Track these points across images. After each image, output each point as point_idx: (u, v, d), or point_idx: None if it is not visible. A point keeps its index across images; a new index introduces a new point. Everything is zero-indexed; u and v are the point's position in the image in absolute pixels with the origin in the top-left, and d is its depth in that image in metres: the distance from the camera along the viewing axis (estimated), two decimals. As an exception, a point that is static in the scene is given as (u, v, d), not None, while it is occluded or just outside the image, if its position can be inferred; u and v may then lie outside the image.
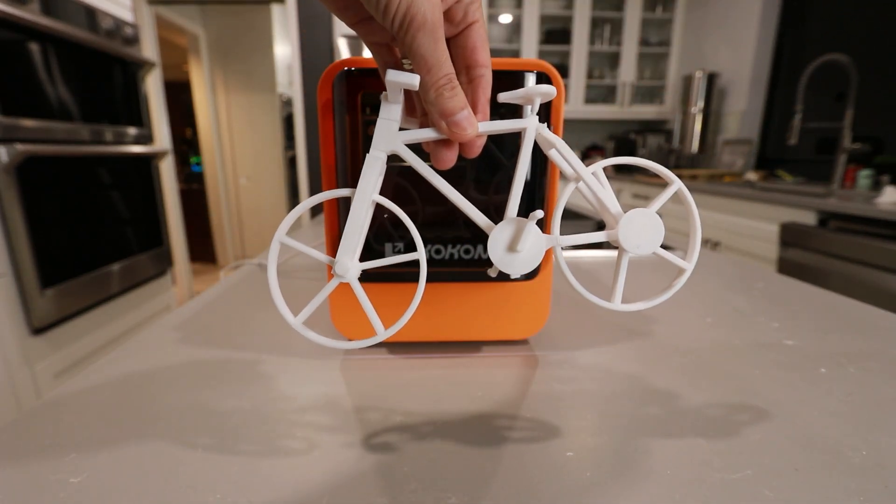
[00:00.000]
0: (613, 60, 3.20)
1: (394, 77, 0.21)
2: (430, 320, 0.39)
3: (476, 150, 0.25)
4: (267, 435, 0.28)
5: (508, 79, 0.33)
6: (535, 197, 0.35)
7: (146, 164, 1.75)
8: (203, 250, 3.51)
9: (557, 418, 0.30)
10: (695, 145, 2.88)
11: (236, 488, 0.24)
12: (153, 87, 2.16)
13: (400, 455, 0.27)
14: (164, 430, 0.28)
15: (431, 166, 0.25)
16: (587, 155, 3.40)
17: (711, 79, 2.74)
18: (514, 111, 0.32)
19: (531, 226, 0.24)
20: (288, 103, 3.40)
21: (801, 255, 1.55)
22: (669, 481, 0.24)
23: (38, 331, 1.29)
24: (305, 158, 2.45)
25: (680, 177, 2.48)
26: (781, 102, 2.54)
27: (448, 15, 0.22)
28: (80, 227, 1.42)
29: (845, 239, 1.39)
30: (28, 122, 1.22)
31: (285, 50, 3.34)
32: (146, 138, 1.76)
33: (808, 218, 1.54)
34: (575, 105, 3.15)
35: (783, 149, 2.50)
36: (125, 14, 1.73)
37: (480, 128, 0.24)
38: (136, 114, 1.71)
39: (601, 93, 3.29)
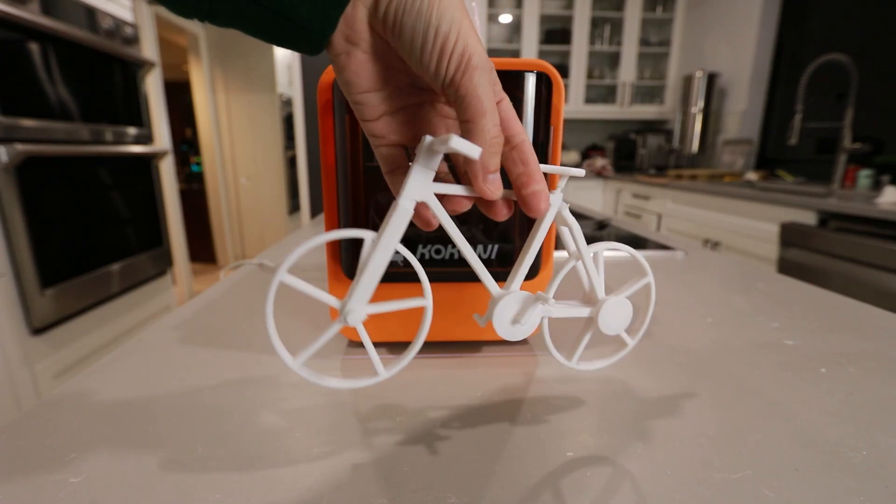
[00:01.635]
0: (613, 60, 3.20)
1: (458, 145, 0.20)
2: (431, 321, 0.39)
3: (503, 216, 0.25)
4: (267, 435, 0.28)
5: (509, 79, 0.33)
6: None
7: (146, 164, 1.75)
8: (203, 250, 3.51)
9: (557, 418, 0.30)
10: (695, 145, 2.88)
11: (236, 488, 0.24)
12: (153, 87, 2.16)
13: (400, 455, 0.27)
14: (163, 431, 0.28)
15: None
16: (587, 154, 3.40)
17: (711, 79, 2.74)
18: None
19: (536, 305, 0.27)
20: (288, 103, 3.40)
21: (801, 255, 1.55)
22: (669, 481, 0.24)
23: (38, 331, 1.29)
24: (305, 158, 2.45)
25: (680, 177, 2.49)
26: (781, 102, 2.54)
27: None
28: (80, 227, 1.42)
29: (845, 239, 1.39)
30: (28, 122, 1.22)
31: (285, 50, 3.34)
32: (146, 138, 1.76)
33: (809, 218, 1.54)
34: (575, 105, 3.15)
35: (783, 149, 2.50)
36: (125, 14, 1.73)
37: (505, 193, 0.25)
38: (136, 114, 1.71)
39: (601, 93, 3.28)
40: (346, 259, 0.36)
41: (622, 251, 0.30)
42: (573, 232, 0.28)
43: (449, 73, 0.20)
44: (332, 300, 0.24)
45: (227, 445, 0.27)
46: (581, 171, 0.27)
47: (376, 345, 0.41)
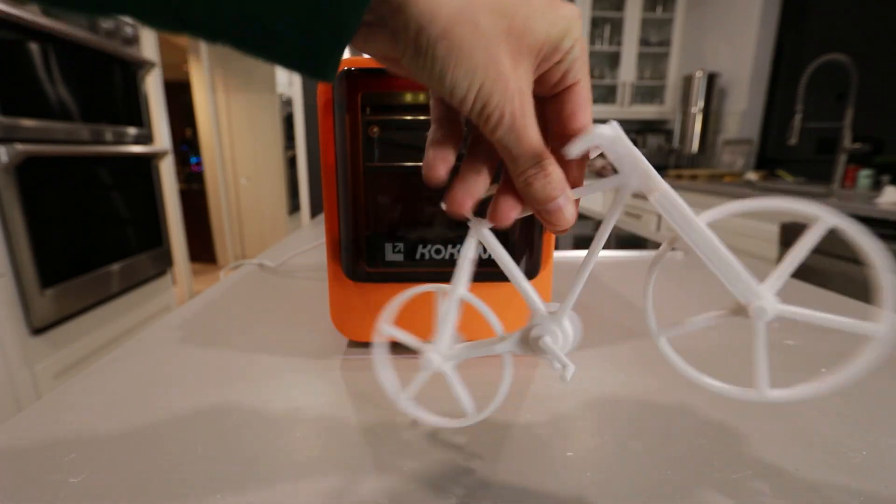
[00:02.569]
0: (613, 60, 3.20)
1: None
2: (431, 320, 0.39)
3: (566, 226, 0.21)
4: (267, 434, 0.28)
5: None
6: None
7: (146, 164, 1.75)
8: (203, 250, 3.51)
9: (557, 418, 0.30)
10: (695, 145, 2.88)
11: (236, 488, 0.24)
12: (153, 87, 2.16)
13: (400, 455, 0.27)
14: (163, 430, 0.28)
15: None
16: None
17: (711, 79, 2.74)
18: None
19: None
20: (288, 103, 3.40)
21: (801, 255, 1.55)
22: (669, 481, 0.24)
23: (38, 331, 1.29)
24: (305, 158, 2.45)
25: (680, 177, 2.48)
26: (781, 102, 2.54)
27: (542, 79, 0.19)
28: (80, 227, 1.42)
29: (846, 239, 1.39)
30: (28, 122, 1.22)
31: (285, 50, 3.33)
32: (146, 138, 1.76)
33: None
34: (575, 105, 3.14)
35: (783, 149, 2.49)
36: (125, 14, 1.72)
37: (575, 194, 0.21)
38: (136, 114, 1.71)
39: (601, 93, 3.28)
40: (347, 259, 0.36)
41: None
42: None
43: (472, 121, 0.19)
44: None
45: (227, 445, 0.27)
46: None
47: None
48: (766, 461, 0.26)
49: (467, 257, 0.23)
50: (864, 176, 1.85)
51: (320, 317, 0.47)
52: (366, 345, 0.41)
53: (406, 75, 0.19)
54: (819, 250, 1.47)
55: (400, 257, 0.35)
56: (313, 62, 0.16)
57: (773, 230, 1.66)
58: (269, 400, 0.32)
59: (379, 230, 0.35)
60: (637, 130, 3.28)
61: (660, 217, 2.39)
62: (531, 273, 0.37)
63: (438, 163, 0.21)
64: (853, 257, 1.37)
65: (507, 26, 0.17)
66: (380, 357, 0.25)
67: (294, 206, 3.61)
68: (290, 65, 0.16)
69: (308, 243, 0.81)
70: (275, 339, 0.42)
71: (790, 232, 1.59)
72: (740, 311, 0.20)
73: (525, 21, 0.17)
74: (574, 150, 0.19)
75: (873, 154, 1.91)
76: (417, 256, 0.36)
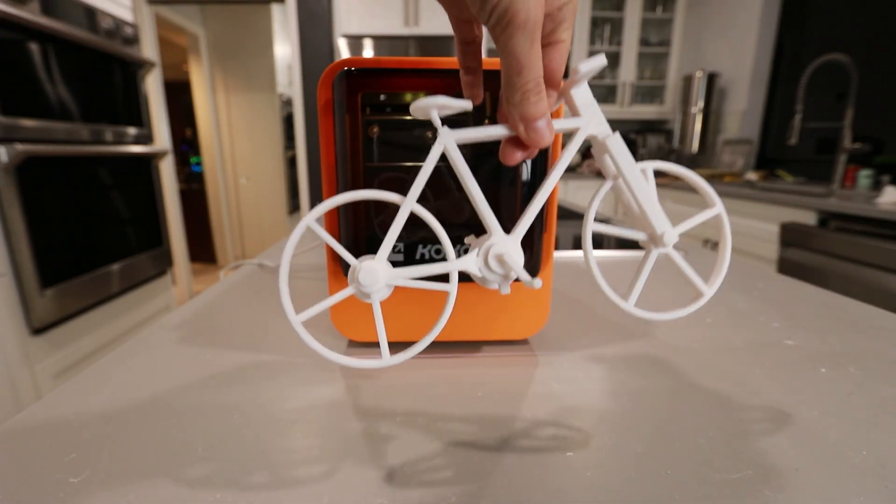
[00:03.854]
0: (613, 60, 3.20)
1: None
2: (431, 320, 0.39)
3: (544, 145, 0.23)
4: (267, 435, 0.28)
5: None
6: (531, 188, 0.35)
7: (146, 164, 1.75)
8: (203, 250, 3.51)
9: (557, 418, 0.30)
10: (695, 145, 2.88)
11: (236, 488, 0.24)
12: (153, 87, 2.16)
13: (400, 455, 0.27)
14: (163, 431, 0.28)
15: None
16: (587, 154, 3.40)
17: (711, 79, 2.74)
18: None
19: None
20: (288, 103, 3.40)
21: (801, 255, 1.55)
22: (669, 481, 0.24)
23: (38, 331, 1.29)
24: (305, 158, 2.45)
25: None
26: (781, 102, 2.54)
27: None
28: (80, 227, 1.42)
29: (845, 239, 1.39)
30: (28, 122, 1.22)
31: (285, 50, 3.34)
32: (146, 138, 1.76)
33: (809, 218, 1.54)
34: (575, 105, 3.15)
35: (783, 149, 2.49)
36: (125, 14, 1.73)
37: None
38: (136, 114, 1.71)
39: (601, 93, 3.28)
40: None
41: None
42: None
43: (490, 23, 0.19)
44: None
45: (227, 445, 0.27)
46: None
47: (376, 345, 0.41)
48: (766, 461, 0.26)
49: (429, 165, 0.23)
50: (864, 176, 1.85)
51: (320, 317, 0.47)
52: (366, 345, 0.41)
53: (456, 13, 0.21)
54: (819, 250, 1.47)
55: (400, 257, 0.36)
56: None
57: (774, 230, 1.66)
58: (269, 400, 0.32)
59: (379, 230, 0.35)
60: (637, 130, 3.28)
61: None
62: (531, 272, 0.37)
63: (470, 87, 0.24)
64: (853, 257, 1.37)
65: None
66: (283, 272, 0.23)
67: (294, 206, 3.61)
68: None
69: (308, 243, 0.81)
70: (275, 339, 0.42)
71: (790, 232, 1.59)
72: (656, 240, 0.25)
73: None
74: (584, 67, 0.22)
75: (873, 154, 1.91)
76: (417, 256, 0.36)
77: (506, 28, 0.19)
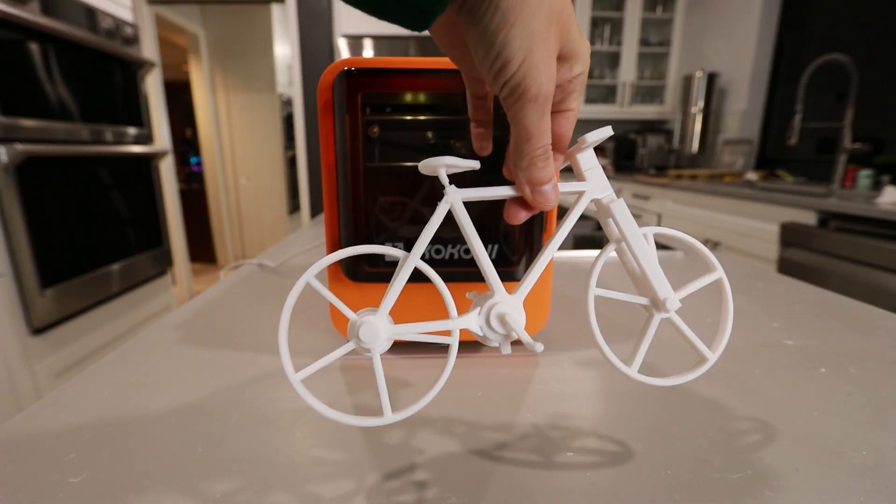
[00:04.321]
0: (613, 60, 3.20)
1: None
2: (430, 314, 0.39)
3: (549, 207, 0.24)
4: (267, 435, 0.28)
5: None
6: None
7: (146, 164, 1.75)
8: (203, 250, 3.51)
9: (557, 418, 0.30)
10: (695, 145, 2.88)
11: (236, 488, 0.24)
12: (153, 87, 2.16)
13: (400, 455, 0.27)
14: (163, 431, 0.28)
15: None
16: (587, 155, 3.40)
17: (711, 79, 2.74)
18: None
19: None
20: (288, 103, 3.40)
21: (801, 255, 1.55)
22: (669, 481, 0.24)
23: (38, 331, 1.29)
24: (305, 158, 2.45)
25: (680, 177, 2.48)
26: (781, 102, 2.54)
27: None
28: (80, 227, 1.42)
29: (845, 239, 1.39)
30: (28, 122, 1.22)
31: (285, 50, 3.34)
32: (146, 138, 1.76)
33: (809, 218, 1.54)
34: (575, 105, 3.14)
35: (783, 149, 2.49)
36: (125, 14, 1.73)
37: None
38: (136, 114, 1.71)
39: (601, 93, 3.28)
40: (347, 259, 0.36)
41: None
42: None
43: (502, 94, 0.20)
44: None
45: (227, 445, 0.27)
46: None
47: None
48: (766, 461, 0.26)
49: (433, 223, 0.23)
50: (864, 176, 1.85)
51: (320, 317, 0.47)
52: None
53: (442, 47, 0.22)
54: (819, 250, 1.47)
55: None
56: (418, 22, 0.18)
57: (774, 230, 1.66)
58: (269, 400, 0.32)
59: (379, 230, 0.35)
60: (637, 130, 3.28)
61: (659, 217, 2.39)
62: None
63: (479, 139, 0.25)
64: (853, 257, 1.37)
65: (560, 13, 0.19)
66: (283, 326, 0.22)
67: (294, 206, 3.61)
68: (397, 22, 0.17)
69: (308, 243, 0.81)
70: (275, 340, 0.42)
71: (790, 232, 1.59)
72: (658, 305, 0.25)
73: (569, 21, 0.19)
74: (591, 137, 0.23)
75: (873, 154, 1.91)
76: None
77: (517, 100, 0.19)
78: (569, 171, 0.26)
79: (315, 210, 2.62)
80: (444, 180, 0.23)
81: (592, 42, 3.08)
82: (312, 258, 0.72)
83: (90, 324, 1.50)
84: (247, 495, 0.23)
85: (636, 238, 0.24)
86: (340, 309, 0.22)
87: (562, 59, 0.20)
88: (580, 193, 0.24)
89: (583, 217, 1.14)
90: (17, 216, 1.19)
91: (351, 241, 0.35)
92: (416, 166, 0.34)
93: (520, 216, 0.24)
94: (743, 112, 2.63)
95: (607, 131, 0.23)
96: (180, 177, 3.64)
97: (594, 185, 0.24)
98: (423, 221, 0.35)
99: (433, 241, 0.35)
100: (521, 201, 0.23)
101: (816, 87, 2.03)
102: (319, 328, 0.45)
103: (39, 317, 1.27)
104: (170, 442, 0.27)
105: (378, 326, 0.21)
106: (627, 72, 3.10)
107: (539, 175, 0.22)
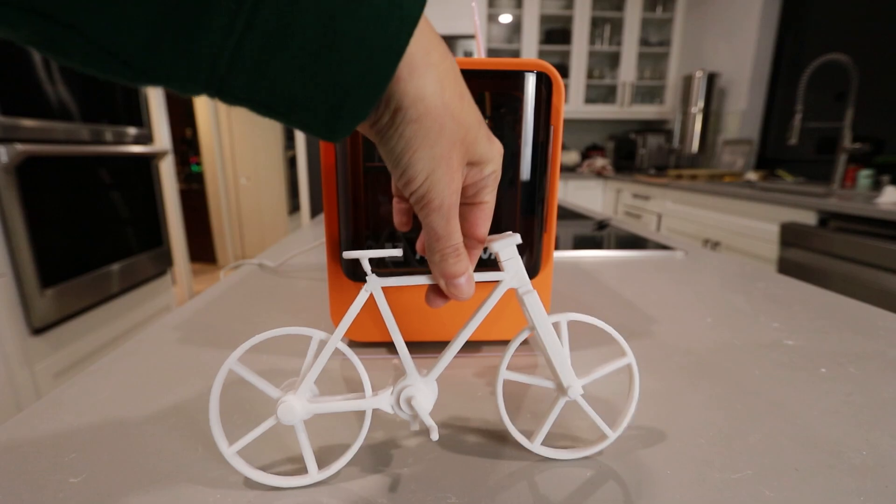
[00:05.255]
0: (613, 60, 3.20)
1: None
2: (430, 320, 0.39)
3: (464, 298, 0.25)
4: (267, 434, 0.28)
5: (509, 79, 0.33)
6: (535, 197, 0.35)
7: (146, 164, 1.75)
8: (203, 250, 3.51)
9: (557, 418, 0.30)
10: (695, 145, 2.88)
11: (236, 488, 0.24)
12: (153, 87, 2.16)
13: (400, 455, 0.27)
14: (164, 430, 0.28)
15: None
16: (587, 154, 3.40)
17: (711, 79, 2.74)
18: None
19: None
20: (288, 103, 3.40)
21: (801, 255, 1.55)
22: (670, 481, 0.24)
23: (38, 331, 1.29)
24: (305, 158, 2.45)
25: (680, 177, 2.49)
26: (781, 102, 2.54)
27: (463, 190, 0.23)
28: (80, 227, 1.42)
29: (845, 239, 1.39)
30: (28, 122, 1.22)
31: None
32: (146, 138, 1.76)
33: (809, 218, 1.54)
34: (575, 105, 3.15)
35: (783, 149, 2.49)
36: (125, 14, 1.72)
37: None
38: (136, 114, 1.71)
39: (601, 93, 3.28)
40: (347, 259, 0.36)
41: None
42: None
43: (411, 201, 0.21)
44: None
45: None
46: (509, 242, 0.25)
47: (375, 345, 0.41)
48: (766, 461, 0.26)
49: (353, 310, 0.24)
50: (864, 176, 1.85)
51: (320, 317, 0.48)
52: (366, 345, 0.41)
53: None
54: (819, 250, 1.47)
55: (399, 253, 0.36)
56: (331, 132, 0.18)
57: (774, 230, 1.66)
58: (270, 400, 0.32)
59: (379, 230, 0.35)
60: (637, 130, 3.28)
61: (659, 217, 2.39)
62: (531, 272, 0.37)
63: (400, 215, 0.27)
64: (853, 257, 1.37)
65: (463, 137, 0.20)
66: (213, 406, 0.23)
67: (294, 206, 3.61)
68: (308, 131, 0.18)
69: (308, 243, 0.81)
70: (275, 340, 0.42)
71: (790, 232, 1.59)
72: (561, 389, 0.26)
73: (475, 139, 0.21)
74: (496, 246, 0.25)
75: (873, 154, 1.91)
76: (417, 257, 0.36)
77: (423, 208, 0.21)
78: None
79: (315, 210, 2.62)
80: (367, 268, 0.24)
81: (592, 42, 3.09)
82: (312, 258, 0.72)
83: (90, 324, 1.50)
84: (247, 495, 0.23)
85: (546, 329, 0.26)
86: (263, 389, 0.24)
87: (472, 164, 0.22)
88: (497, 283, 0.26)
89: (583, 217, 1.14)
90: (17, 216, 1.19)
91: (351, 240, 0.35)
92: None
93: (437, 303, 0.25)
94: (743, 112, 2.63)
95: (516, 239, 0.25)
96: (180, 177, 3.64)
97: (511, 275, 0.25)
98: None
99: (400, 241, 0.36)
100: (437, 289, 0.25)
101: (816, 87, 2.04)
102: (320, 328, 0.45)
103: (39, 317, 1.27)
104: (170, 442, 0.27)
105: (295, 407, 0.24)
106: (627, 72, 3.10)
107: (451, 270, 0.23)
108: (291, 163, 3.48)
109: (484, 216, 0.24)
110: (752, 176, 2.37)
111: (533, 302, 0.25)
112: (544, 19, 3.05)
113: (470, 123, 0.21)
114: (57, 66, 1.32)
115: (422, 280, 0.25)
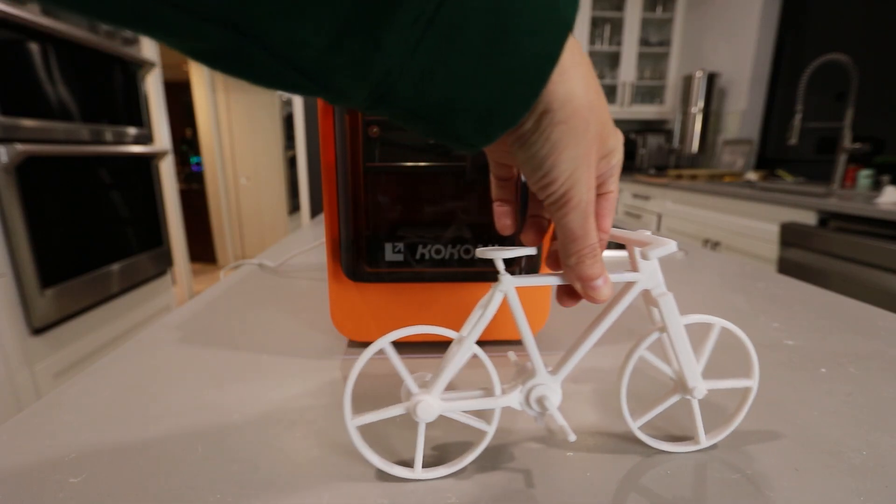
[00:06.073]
0: (613, 60, 3.20)
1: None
2: (431, 320, 0.39)
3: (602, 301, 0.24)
4: (267, 435, 0.28)
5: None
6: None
7: (146, 164, 1.75)
8: (203, 250, 3.51)
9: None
10: (695, 145, 2.88)
11: (237, 488, 0.24)
12: (153, 87, 2.16)
13: (399, 454, 0.27)
14: (164, 431, 0.28)
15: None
16: (587, 155, 3.40)
17: (711, 79, 2.74)
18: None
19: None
20: (288, 103, 3.40)
21: (801, 255, 1.55)
22: (670, 481, 0.24)
23: (38, 331, 1.29)
24: (305, 158, 2.45)
25: (680, 177, 2.48)
26: (781, 102, 2.54)
27: None
28: (80, 227, 1.42)
29: (845, 239, 1.39)
30: (28, 122, 1.22)
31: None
32: (146, 138, 1.76)
33: (809, 218, 1.54)
34: (575, 105, 3.14)
35: (783, 149, 2.49)
36: (125, 14, 1.72)
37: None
38: (136, 114, 1.71)
39: (601, 93, 3.28)
40: (347, 259, 0.36)
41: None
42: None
43: (546, 203, 0.21)
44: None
45: (227, 445, 0.27)
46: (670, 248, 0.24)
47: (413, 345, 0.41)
48: (767, 461, 0.26)
49: (490, 311, 0.24)
50: (864, 176, 1.85)
51: (320, 317, 0.48)
52: (366, 345, 0.41)
53: (497, 158, 0.23)
54: (819, 250, 1.47)
55: (400, 257, 0.36)
56: (483, 137, 0.18)
57: (774, 230, 1.66)
58: (270, 400, 0.32)
59: (379, 230, 0.35)
60: (637, 130, 3.28)
61: (659, 217, 2.39)
62: (532, 272, 0.37)
63: (503, 217, 0.26)
64: (853, 257, 1.37)
65: (598, 132, 0.20)
66: (350, 380, 0.24)
67: (294, 206, 3.61)
68: (452, 140, 0.18)
69: (308, 243, 0.81)
70: (275, 340, 0.42)
71: (790, 232, 1.59)
72: (684, 388, 0.27)
73: (606, 131, 0.21)
74: (655, 254, 0.24)
75: (873, 154, 1.91)
76: (418, 256, 0.36)
77: (560, 208, 0.21)
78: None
79: (315, 210, 2.62)
80: (501, 268, 0.24)
81: (592, 42, 3.09)
82: (312, 258, 0.72)
83: (90, 324, 1.50)
84: (247, 495, 0.23)
85: (678, 332, 0.25)
86: (406, 380, 0.24)
87: (601, 157, 0.22)
88: (631, 283, 0.25)
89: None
90: (17, 216, 1.19)
91: (351, 240, 0.35)
92: (416, 166, 0.34)
93: (570, 303, 0.25)
94: (743, 112, 2.63)
95: (672, 247, 0.24)
96: (180, 177, 3.64)
97: (647, 276, 0.25)
98: (422, 221, 0.35)
99: (433, 241, 0.35)
100: (569, 289, 0.25)
101: (816, 87, 2.03)
102: (320, 328, 0.45)
103: (39, 317, 1.27)
104: (170, 442, 0.27)
105: (433, 405, 0.24)
106: (627, 72, 3.10)
107: (588, 272, 0.22)
108: (291, 163, 3.48)
109: (610, 206, 0.24)
110: (752, 176, 2.37)
111: (668, 304, 0.25)
112: (544, 19, 3.04)
113: (606, 118, 0.20)
114: (57, 66, 1.32)
115: (554, 281, 0.24)
